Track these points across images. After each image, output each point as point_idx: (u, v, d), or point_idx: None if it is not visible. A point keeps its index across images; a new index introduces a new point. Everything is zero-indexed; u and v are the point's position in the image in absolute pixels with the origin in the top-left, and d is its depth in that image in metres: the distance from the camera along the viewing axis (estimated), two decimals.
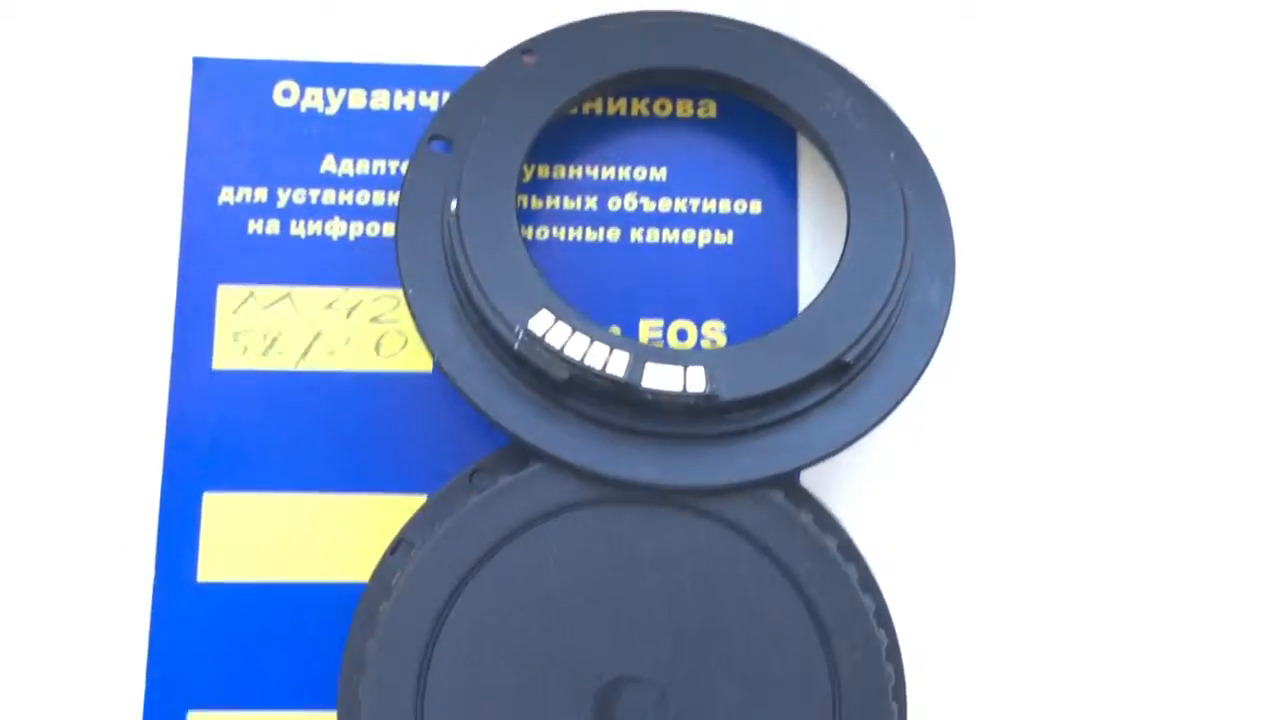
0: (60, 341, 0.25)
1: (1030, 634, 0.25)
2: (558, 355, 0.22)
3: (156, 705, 0.24)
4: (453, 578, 0.22)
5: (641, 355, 0.22)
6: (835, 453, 0.23)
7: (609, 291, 0.26)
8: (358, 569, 0.24)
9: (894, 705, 0.22)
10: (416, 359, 0.25)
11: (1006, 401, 0.26)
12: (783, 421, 0.23)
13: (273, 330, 0.25)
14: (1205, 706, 0.25)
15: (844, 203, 0.26)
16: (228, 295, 0.25)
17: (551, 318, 0.22)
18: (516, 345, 0.22)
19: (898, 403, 0.23)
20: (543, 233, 0.26)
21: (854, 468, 0.25)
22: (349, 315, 0.26)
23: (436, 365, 0.25)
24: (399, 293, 0.26)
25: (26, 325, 0.25)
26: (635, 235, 0.26)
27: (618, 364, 0.22)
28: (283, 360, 0.25)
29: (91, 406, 0.25)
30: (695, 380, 0.22)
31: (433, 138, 0.25)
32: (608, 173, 0.27)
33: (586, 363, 0.22)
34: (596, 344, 0.22)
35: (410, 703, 0.22)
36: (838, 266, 0.24)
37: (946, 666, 0.25)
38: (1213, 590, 0.26)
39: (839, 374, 0.23)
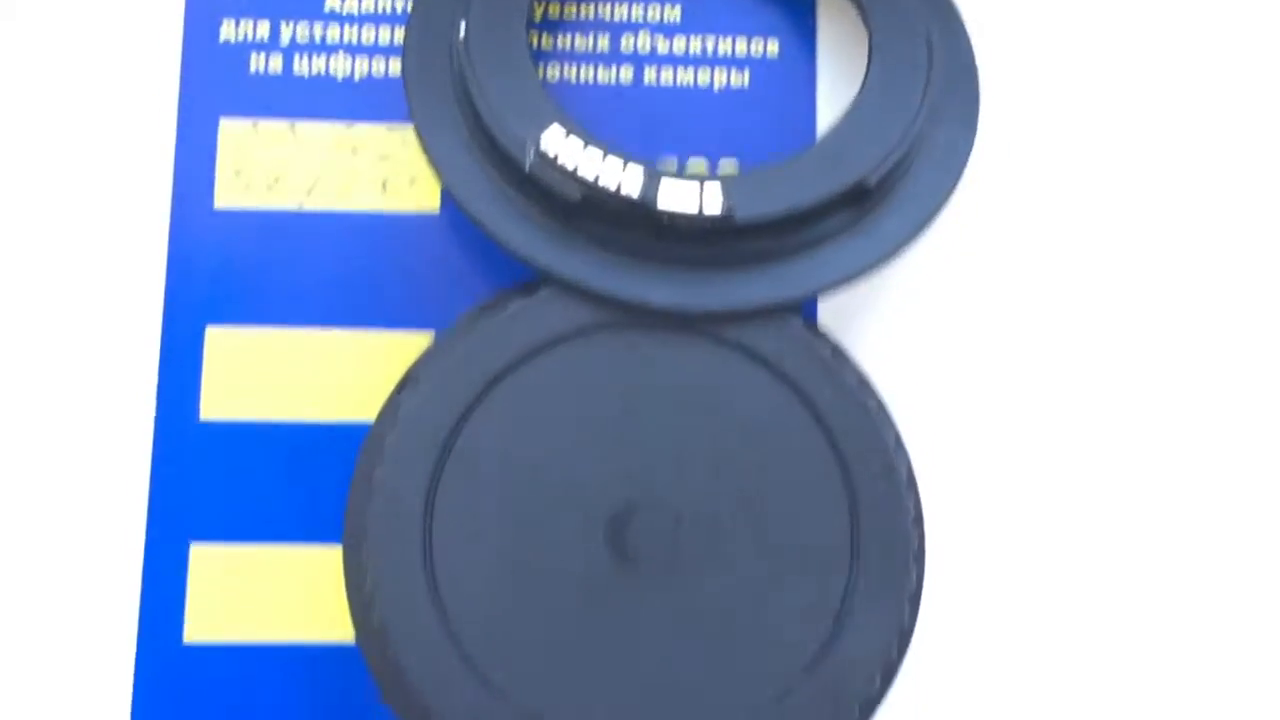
0: (60, 175, 0.25)
1: (1047, 476, 0.25)
2: (570, 175, 0.22)
3: (158, 537, 0.23)
4: (460, 403, 0.22)
5: (656, 175, 0.22)
6: (854, 279, 0.22)
7: (621, 133, 0.25)
8: (365, 407, 0.24)
9: (914, 532, 0.22)
10: (424, 198, 0.25)
11: (1026, 250, 0.26)
12: (801, 247, 0.22)
13: (276, 167, 0.25)
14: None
15: (863, 44, 0.25)
16: (230, 130, 0.25)
17: (563, 131, 0.22)
18: (528, 166, 0.22)
19: (918, 232, 0.23)
20: (553, 73, 0.25)
21: (870, 308, 0.25)
22: (355, 153, 0.25)
23: (446, 202, 0.25)
24: (406, 130, 0.25)
25: (26, 156, 0.25)
26: (649, 77, 0.26)
27: (632, 183, 0.22)
28: (287, 197, 0.25)
29: (91, 242, 0.25)
30: (712, 200, 0.22)
31: None
32: (620, 12, 0.26)
33: (600, 183, 0.21)
34: (610, 159, 0.22)
35: (418, 529, 0.21)
36: (859, 95, 0.23)
37: (959, 505, 0.24)
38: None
39: (859, 199, 0.23)
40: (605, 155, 0.22)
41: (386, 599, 0.21)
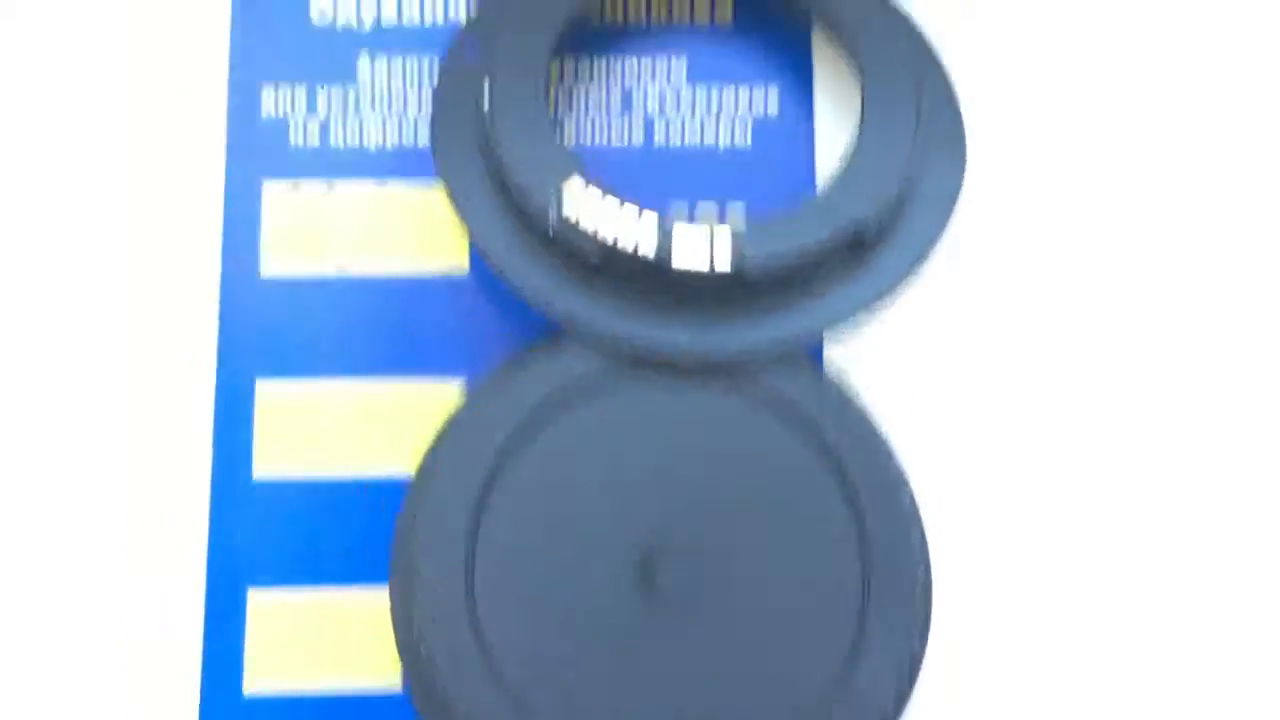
0: (109, 251, 0.27)
1: (1051, 513, 0.26)
2: (591, 237, 0.23)
3: (218, 584, 0.25)
4: (495, 453, 0.23)
5: (670, 232, 0.23)
6: (856, 317, 0.24)
7: (636, 187, 0.27)
8: (405, 459, 0.26)
9: (921, 565, 0.23)
10: (455, 257, 0.27)
11: (1018, 279, 0.27)
12: (807, 292, 0.24)
13: (317, 225, 0.27)
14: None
15: (857, 95, 0.27)
16: (273, 192, 0.27)
17: (582, 182, 0.24)
18: (551, 229, 0.24)
19: (914, 269, 0.25)
20: (570, 136, 0.27)
21: (872, 347, 0.26)
22: (389, 214, 0.27)
23: (474, 256, 0.26)
24: (437, 192, 0.27)
25: (74, 239, 0.27)
26: (659, 137, 0.27)
27: (648, 243, 0.23)
28: (327, 257, 0.27)
29: (142, 310, 0.26)
30: (722, 256, 0.23)
31: (470, 26, 0.26)
32: (631, 65, 0.28)
33: (619, 244, 0.23)
34: (627, 209, 0.23)
35: (461, 572, 0.23)
36: (854, 142, 0.25)
37: (964, 541, 0.26)
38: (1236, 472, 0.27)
39: (858, 244, 0.24)
40: (622, 204, 0.23)
41: (433, 638, 0.22)
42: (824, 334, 0.25)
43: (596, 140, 0.27)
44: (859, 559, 0.23)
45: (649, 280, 0.24)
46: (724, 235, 0.23)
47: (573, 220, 0.23)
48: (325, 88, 0.27)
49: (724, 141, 0.27)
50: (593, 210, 0.24)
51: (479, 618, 0.23)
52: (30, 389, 0.26)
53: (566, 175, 0.24)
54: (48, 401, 0.26)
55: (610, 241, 0.23)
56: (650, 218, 0.24)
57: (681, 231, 0.23)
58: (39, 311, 0.26)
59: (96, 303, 0.27)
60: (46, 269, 0.27)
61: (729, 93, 0.28)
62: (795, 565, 0.23)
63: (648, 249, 0.23)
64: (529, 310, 0.25)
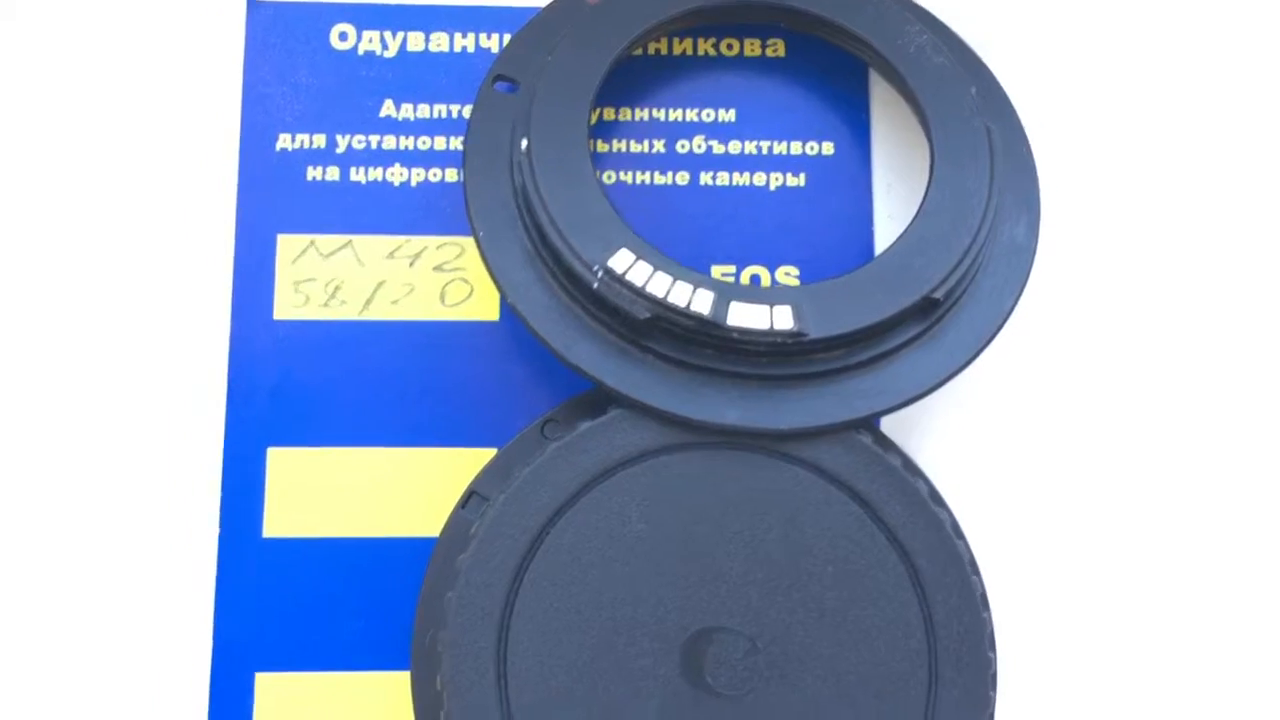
0: (119, 294, 0.25)
1: (1117, 586, 0.24)
2: (640, 293, 0.21)
3: (224, 668, 0.23)
4: (533, 526, 0.22)
5: (726, 293, 0.21)
6: (925, 394, 0.22)
7: (679, 237, 0.25)
8: (426, 524, 0.24)
9: (990, 655, 0.21)
10: (482, 308, 0.25)
11: (1094, 345, 0.25)
12: (869, 362, 0.22)
13: (334, 279, 0.25)
14: None
15: (917, 142, 0.25)
16: (287, 244, 0.25)
17: (632, 256, 0.22)
18: (596, 284, 0.22)
19: (987, 342, 0.23)
20: (610, 177, 0.25)
21: (934, 415, 0.25)
22: (412, 264, 0.25)
23: (505, 312, 0.24)
24: (463, 240, 0.25)
25: (84, 278, 0.25)
26: (705, 179, 0.25)
27: (702, 302, 0.21)
28: (345, 310, 0.24)
29: (152, 361, 0.24)
30: (782, 318, 0.21)
31: (496, 78, 0.24)
32: (675, 115, 0.26)
33: (670, 300, 0.21)
34: (679, 283, 0.21)
35: (492, 655, 0.21)
36: (923, 203, 0.23)
37: (1032, 619, 0.24)
38: None
39: (927, 312, 0.22)
40: (675, 282, 0.21)
41: None
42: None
43: (639, 181, 0.25)
44: (926, 647, 0.21)
45: (701, 345, 0.22)
46: (784, 305, 0.21)
47: (620, 274, 0.22)
48: (346, 134, 0.25)
49: (775, 182, 0.25)
50: (643, 276, 0.22)
51: (511, 708, 0.21)
52: (43, 428, 0.24)
53: (616, 246, 0.22)
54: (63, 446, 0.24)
55: (660, 297, 0.21)
56: (705, 294, 0.21)
57: (740, 302, 0.21)
58: (53, 353, 0.25)
59: (100, 352, 0.25)
60: (57, 320, 0.25)
61: (781, 130, 0.26)
62: (855, 652, 0.21)
63: (701, 306, 0.21)
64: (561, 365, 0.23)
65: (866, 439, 0.22)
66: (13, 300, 0.25)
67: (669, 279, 0.21)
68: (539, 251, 0.23)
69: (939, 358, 0.22)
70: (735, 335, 0.21)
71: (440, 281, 0.25)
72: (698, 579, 0.21)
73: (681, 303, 0.21)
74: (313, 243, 0.25)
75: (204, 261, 0.25)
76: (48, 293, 0.25)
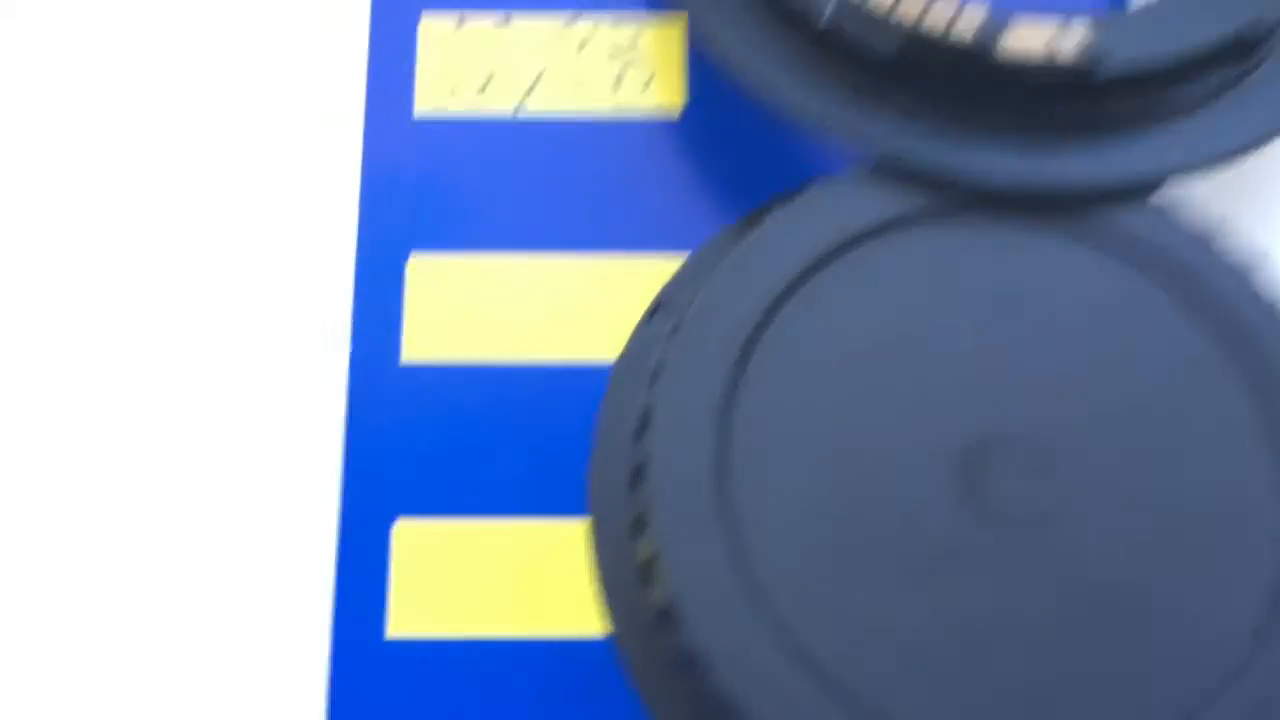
0: (252, 94, 0.21)
1: None
2: (884, 22, 0.17)
3: (355, 513, 0.18)
4: (750, 318, 0.17)
5: (998, 15, 0.17)
6: (1238, 154, 0.17)
7: None
8: (600, 344, 0.19)
9: None
10: (664, 99, 0.21)
11: None
12: (1170, 114, 0.18)
13: (487, 68, 0.21)
14: None
15: None
16: (430, 25, 0.21)
17: None
18: (825, 18, 0.17)
19: None
20: None
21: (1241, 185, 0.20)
22: (580, 49, 0.21)
23: (690, 104, 0.20)
24: (640, 20, 0.21)
25: (218, 66, 0.21)
26: None
27: (968, 23, 0.17)
28: (500, 103, 0.21)
29: (282, 167, 0.20)
30: (1068, 45, 0.17)
31: None
32: None
33: (926, 26, 0.17)
34: (937, 2, 0.17)
35: (710, 480, 0.16)
36: None
37: None
38: None
39: (1242, 55, 0.18)
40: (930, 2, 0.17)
41: (677, 572, 0.16)
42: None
43: None
44: (1273, 462, 0.16)
45: (960, 89, 0.17)
46: (1074, 32, 0.17)
47: (857, 2, 0.17)
48: None
49: None
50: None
51: (737, 532, 0.16)
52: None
53: None
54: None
55: (913, 22, 0.17)
56: (972, 13, 0.17)
57: (1017, 21, 0.17)
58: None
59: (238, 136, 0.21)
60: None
61: None
62: (1184, 482, 0.16)
63: (965, 31, 0.17)
64: (767, 161, 0.19)
65: (1180, 212, 0.17)
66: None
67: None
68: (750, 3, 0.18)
69: (1258, 112, 0.18)
70: (1007, 67, 0.17)
71: (613, 69, 0.21)
72: (969, 378, 0.16)
73: (940, 26, 0.17)
74: (462, 21, 0.21)
75: (335, 47, 0.21)
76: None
